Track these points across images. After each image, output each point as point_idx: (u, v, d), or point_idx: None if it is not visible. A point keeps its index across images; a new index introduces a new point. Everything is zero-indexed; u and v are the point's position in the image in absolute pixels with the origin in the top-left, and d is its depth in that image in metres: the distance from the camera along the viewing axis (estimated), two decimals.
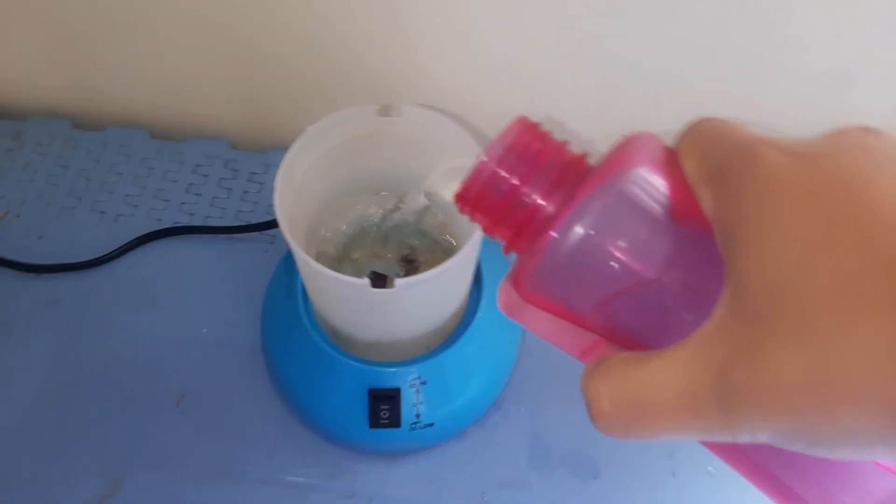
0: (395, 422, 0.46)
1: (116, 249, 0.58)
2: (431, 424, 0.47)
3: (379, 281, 0.49)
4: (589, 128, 0.59)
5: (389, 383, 0.46)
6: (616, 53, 0.53)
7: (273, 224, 0.57)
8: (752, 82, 0.54)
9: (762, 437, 0.16)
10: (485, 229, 0.24)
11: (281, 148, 0.63)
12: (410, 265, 0.49)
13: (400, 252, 0.49)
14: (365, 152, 0.46)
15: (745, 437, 0.16)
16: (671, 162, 0.21)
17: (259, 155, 0.64)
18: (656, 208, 0.20)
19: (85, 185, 0.62)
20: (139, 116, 0.65)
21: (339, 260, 0.50)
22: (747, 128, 0.19)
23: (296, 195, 0.43)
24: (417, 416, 0.46)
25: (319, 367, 0.47)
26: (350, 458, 0.50)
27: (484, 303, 0.48)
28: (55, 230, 0.60)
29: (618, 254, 0.20)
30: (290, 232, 0.38)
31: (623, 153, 0.21)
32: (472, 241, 0.39)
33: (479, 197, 0.23)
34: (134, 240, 0.58)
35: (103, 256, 0.57)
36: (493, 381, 0.50)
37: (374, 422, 0.46)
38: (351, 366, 0.46)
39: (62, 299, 0.56)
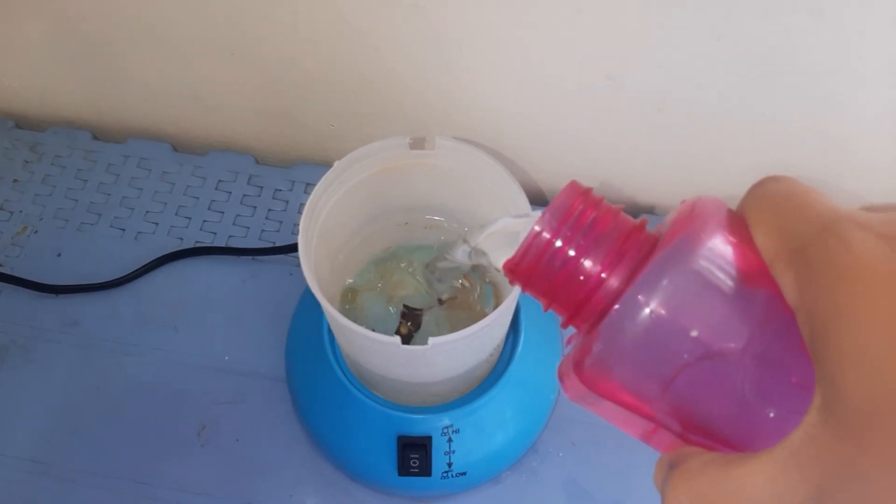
0: (425, 471, 0.43)
1: (137, 270, 0.56)
2: (464, 473, 0.44)
3: (412, 316, 0.46)
4: (630, 159, 0.55)
5: (420, 431, 0.43)
6: (664, 84, 0.48)
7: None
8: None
9: None
10: (540, 301, 0.22)
11: (306, 164, 0.61)
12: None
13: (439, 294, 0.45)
14: (397, 183, 0.43)
15: None
16: (739, 231, 0.19)
17: (283, 171, 0.61)
18: (730, 285, 0.19)
19: (104, 201, 0.60)
20: (161, 128, 0.63)
21: (365, 289, 0.47)
22: (822, 195, 0.17)
23: (322, 228, 0.41)
24: (449, 464, 0.44)
25: (346, 409, 0.44)
26: (377, 500, 0.48)
27: (521, 346, 0.45)
28: (73, 247, 0.58)
29: (692, 335, 0.18)
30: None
31: (689, 222, 0.20)
32: (513, 293, 0.35)
33: (530, 271, 0.21)
34: (154, 260, 0.56)
35: (123, 277, 0.55)
36: (531, 425, 0.47)
37: (403, 470, 0.43)
38: (379, 411, 0.43)
39: (81, 321, 0.54)
